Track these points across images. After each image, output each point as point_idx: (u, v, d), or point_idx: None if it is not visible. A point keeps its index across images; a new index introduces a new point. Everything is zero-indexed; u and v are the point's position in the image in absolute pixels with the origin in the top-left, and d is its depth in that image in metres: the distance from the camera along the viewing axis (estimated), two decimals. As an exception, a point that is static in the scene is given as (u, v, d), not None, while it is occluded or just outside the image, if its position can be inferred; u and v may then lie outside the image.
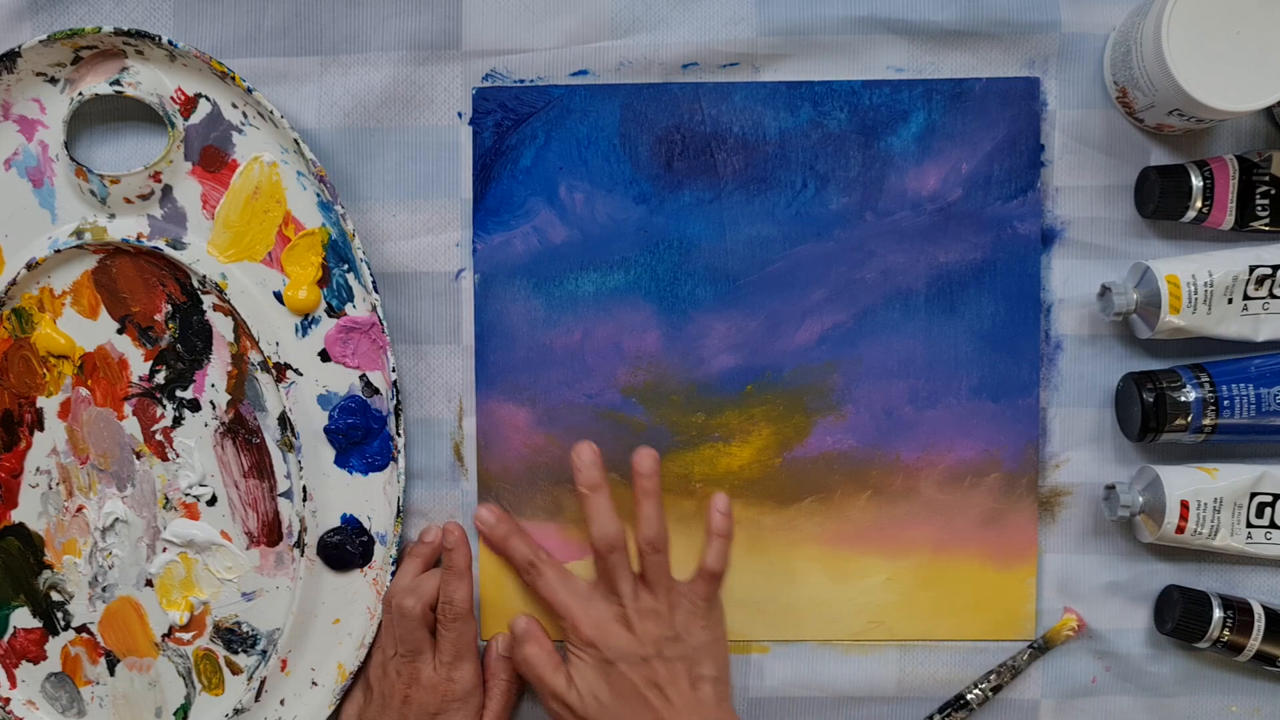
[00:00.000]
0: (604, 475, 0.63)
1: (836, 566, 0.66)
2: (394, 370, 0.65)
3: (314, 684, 0.66)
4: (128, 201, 0.65)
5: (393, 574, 0.65)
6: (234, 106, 0.64)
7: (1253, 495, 0.62)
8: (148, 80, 0.64)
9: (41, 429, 0.67)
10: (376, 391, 0.65)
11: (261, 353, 0.65)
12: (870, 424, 0.65)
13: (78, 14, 0.66)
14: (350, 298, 0.65)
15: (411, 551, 0.66)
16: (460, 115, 0.66)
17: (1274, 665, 0.63)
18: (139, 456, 0.67)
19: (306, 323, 0.65)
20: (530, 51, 0.65)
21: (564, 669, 0.62)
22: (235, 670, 0.67)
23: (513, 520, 0.66)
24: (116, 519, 0.67)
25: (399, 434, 0.65)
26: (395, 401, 0.65)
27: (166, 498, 0.67)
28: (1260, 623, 0.62)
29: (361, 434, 0.65)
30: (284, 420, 0.65)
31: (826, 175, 0.65)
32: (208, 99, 0.64)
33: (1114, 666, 0.66)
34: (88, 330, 0.66)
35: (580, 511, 0.63)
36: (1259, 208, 0.62)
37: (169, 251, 0.64)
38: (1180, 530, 0.61)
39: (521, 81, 0.65)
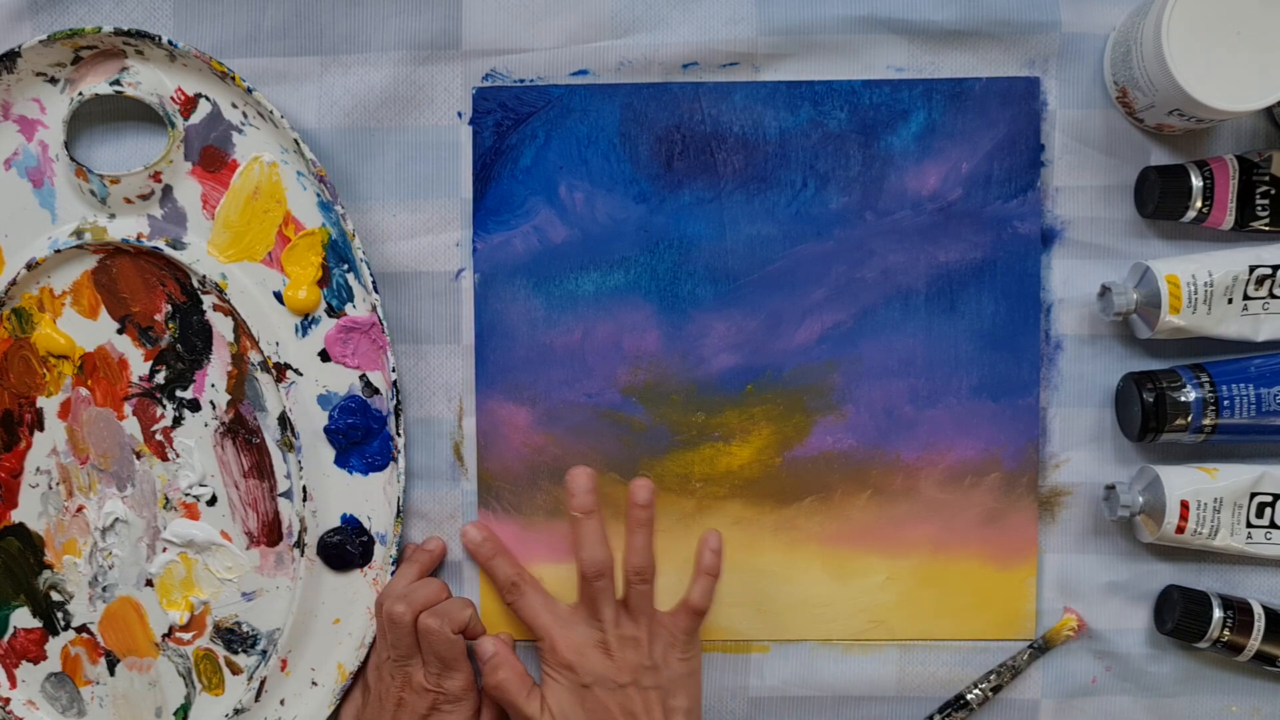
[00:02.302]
0: (597, 501, 0.63)
1: (836, 566, 0.66)
2: (394, 370, 0.65)
3: (314, 684, 0.66)
4: (128, 201, 0.65)
5: (392, 574, 0.65)
6: (234, 106, 0.64)
7: (1253, 495, 0.62)
8: (148, 80, 0.64)
9: (41, 429, 0.67)
10: (376, 391, 0.65)
11: (261, 353, 0.65)
12: (870, 423, 0.65)
13: (78, 14, 0.66)
14: (350, 298, 0.65)
15: (410, 557, 0.66)
16: (460, 115, 0.66)
17: (1274, 665, 0.63)
18: (139, 456, 0.67)
19: (306, 323, 0.65)
20: (530, 51, 0.65)
21: (537, 692, 0.62)
22: (235, 670, 0.67)
23: (498, 541, 0.66)
24: (116, 519, 0.67)
25: (399, 434, 0.65)
26: (395, 401, 0.65)
27: (166, 498, 0.67)
28: (1260, 623, 0.62)
29: (361, 434, 0.65)
30: (284, 420, 0.65)
31: (827, 175, 0.65)
32: (208, 99, 0.64)
33: (1114, 666, 0.66)
34: (88, 330, 0.66)
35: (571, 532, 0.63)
36: (1259, 208, 0.62)
37: (169, 251, 0.64)
38: (1180, 530, 0.61)
39: (521, 81, 0.65)
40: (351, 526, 0.66)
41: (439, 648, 0.61)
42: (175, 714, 0.68)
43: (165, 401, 0.66)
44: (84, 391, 0.66)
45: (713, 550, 0.64)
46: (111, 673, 0.68)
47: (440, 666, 0.62)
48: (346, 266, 0.65)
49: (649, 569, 0.62)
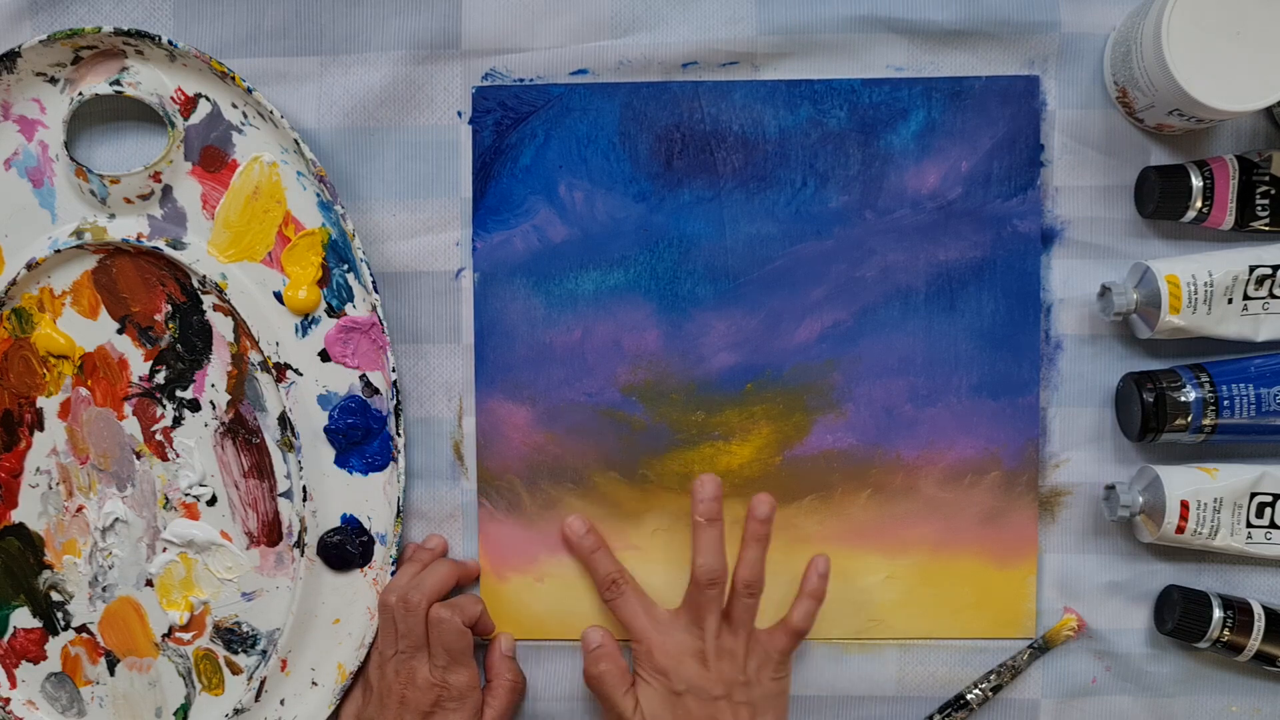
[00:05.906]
0: (722, 509, 0.62)
1: (836, 565, 0.65)
2: (394, 370, 0.65)
3: (314, 684, 0.66)
4: (128, 201, 0.65)
5: (393, 574, 0.65)
6: (234, 106, 0.64)
7: (1253, 495, 0.62)
8: (148, 80, 0.64)
9: (41, 429, 0.67)
10: (376, 391, 0.65)
11: (261, 353, 0.65)
12: (870, 422, 0.65)
13: (78, 14, 0.66)
14: (350, 298, 0.65)
15: (413, 556, 0.66)
16: (460, 114, 0.66)
17: (1274, 665, 0.63)
18: (139, 456, 0.67)
19: (306, 323, 0.65)
20: (530, 50, 0.65)
21: (633, 692, 0.62)
22: (235, 670, 0.67)
23: (600, 536, 0.65)
24: (116, 519, 0.67)
25: (399, 434, 0.65)
26: (395, 401, 0.65)
27: (166, 498, 0.67)
28: (1260, 623, 0.62)
29: (361, 434, 0.65)
30: (284, 420, 0.65)
31: (826, 173, 0.65)
32: (208, 99, 0.64)
33: (1114, 666, 0.66)
34: (88, 330, 0.66)
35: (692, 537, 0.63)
36: (1259, 208, 0.62)
37: (169, 251, 0.64)
38: (1180, 530, 0.61)
39: (521, 80, 0.65)
40: (351, 526, 0.66)
41: (448, 639, 0.61)
42: (175, 714, 0.68)
43: (165, 401, 0.66)
44: (84, 391, 0.66)
45: (820, 575, 0.63)
46: (111, 673, 0.68)
47: (447, 660, 0.62)
48: (346, 266, 0.65)
49: (759, 583, 0.62)
